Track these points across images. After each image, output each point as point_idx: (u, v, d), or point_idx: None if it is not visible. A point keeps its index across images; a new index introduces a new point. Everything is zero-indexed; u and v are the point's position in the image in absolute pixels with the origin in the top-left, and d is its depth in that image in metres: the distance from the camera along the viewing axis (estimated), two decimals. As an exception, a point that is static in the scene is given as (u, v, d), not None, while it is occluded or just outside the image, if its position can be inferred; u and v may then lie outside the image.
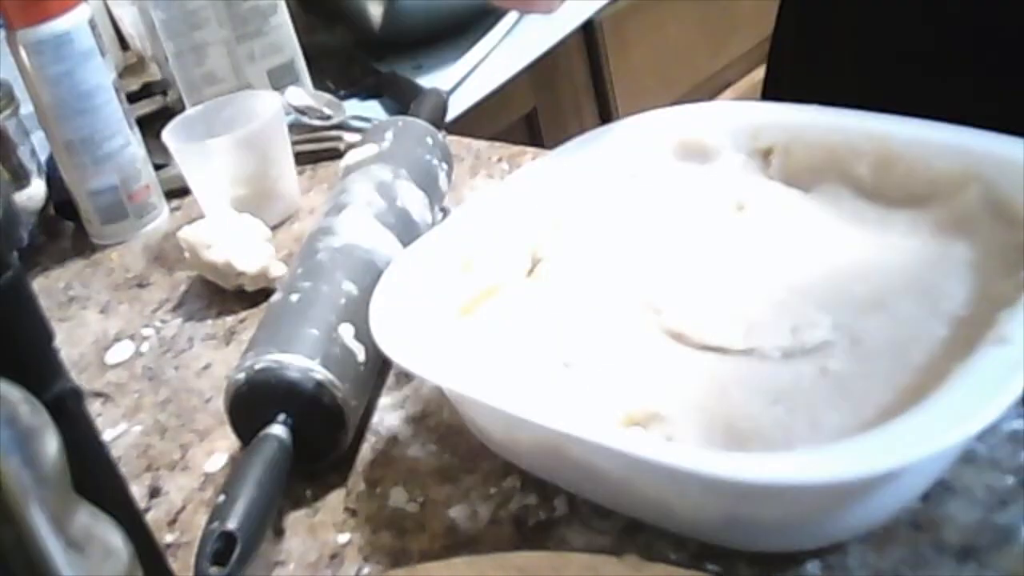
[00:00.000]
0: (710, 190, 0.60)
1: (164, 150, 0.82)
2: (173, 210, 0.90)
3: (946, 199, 0.54)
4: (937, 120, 0.55)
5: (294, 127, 0.91)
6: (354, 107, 1.00)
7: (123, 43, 1.15)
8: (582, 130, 0.63)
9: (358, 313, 0.57)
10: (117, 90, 0.83)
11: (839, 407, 0.46)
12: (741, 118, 0.62)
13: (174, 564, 0.50)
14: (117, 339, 0.74)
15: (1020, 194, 0.50)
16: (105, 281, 0.82)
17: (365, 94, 1.06)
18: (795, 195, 0.58)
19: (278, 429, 0.53)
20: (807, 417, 0.45)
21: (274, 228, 0.80)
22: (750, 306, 0.52)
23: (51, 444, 0.30)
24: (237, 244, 0.72)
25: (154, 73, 1.05)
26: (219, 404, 0.59)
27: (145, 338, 0.73)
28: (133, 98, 0.97)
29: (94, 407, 0.66)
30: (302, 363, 0.54)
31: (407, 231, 0.67)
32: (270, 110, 0.82)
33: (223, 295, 0.74)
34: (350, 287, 0.60)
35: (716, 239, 0.58)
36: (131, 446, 0.62)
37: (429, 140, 0.76)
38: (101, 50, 0.81)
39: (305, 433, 0.54)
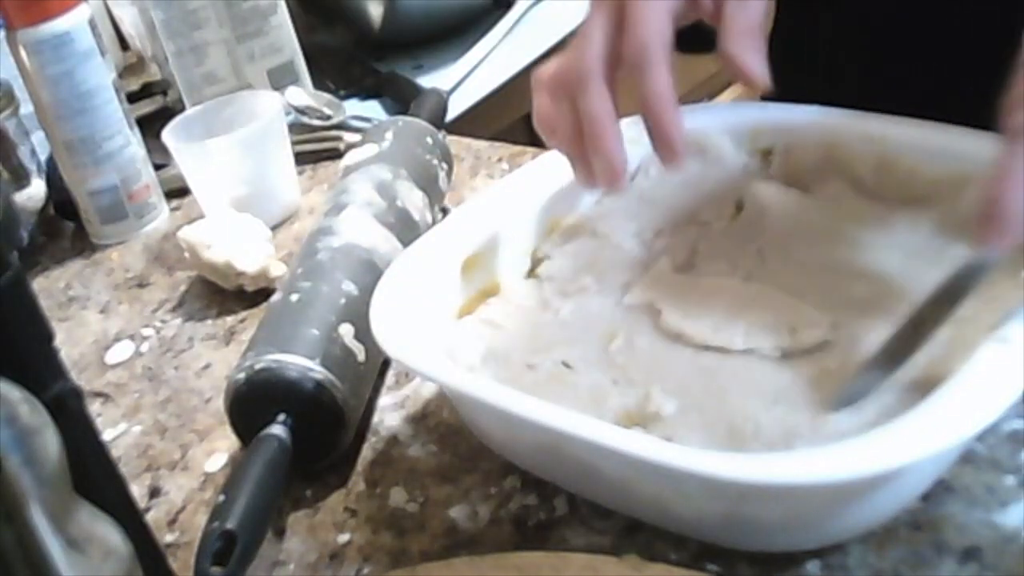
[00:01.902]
0: (710, 190, 0.60)
1: (164, 150, 0.82)
2: (173, 210, 0.90)
3: (946, 199, 0.54)
4: (937, 120, 0.55)
5: (294, 127, 0.91)
6: (354, 107, 1.00)
7: (123, 43, 1.15)
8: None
9: (358, 313, 0.57)
10: (117, 90, 0.83)
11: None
12: (741, 118, 0.62)
13: (174, 564, 0.50)
14: (117, 339, 0.74)
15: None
16: (105, 281, 0.82)
17: (365, 94, 1.06)
18: (795, 195, 0.58)
19: (278, 429, 0.53)
20: (807, 417, 0.45)
21: (274, 228, 0.80)
22: (749, 306, 0.52)
23: (51, 444, 0.30)
24: (237, 244, 0.72)
25: (154, 73, 1.05)
26: (219, 404, 0.59)
27: (145, 338, 0.73)
28: (133, 98, 0.97)
29: (94, 407, 0.66)
30: (302, 363, 0.54)
31: (407, 231, 0.67)
32: (270, 110, 0.82)
33: (223, 295, 0.74)
34: (350, 287, 0.60)
35: (716, 239, 0.58)
36: (131, 446, 0.62)
37: (429, 140, 0.76)
38: (101, 50, 0.81)
39: (305, 433, 0.54)
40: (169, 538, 0.55)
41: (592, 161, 0.50)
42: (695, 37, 0.51)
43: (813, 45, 0.74)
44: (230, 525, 0.47)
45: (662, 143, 0.49)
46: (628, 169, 0.50)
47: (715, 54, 0.49)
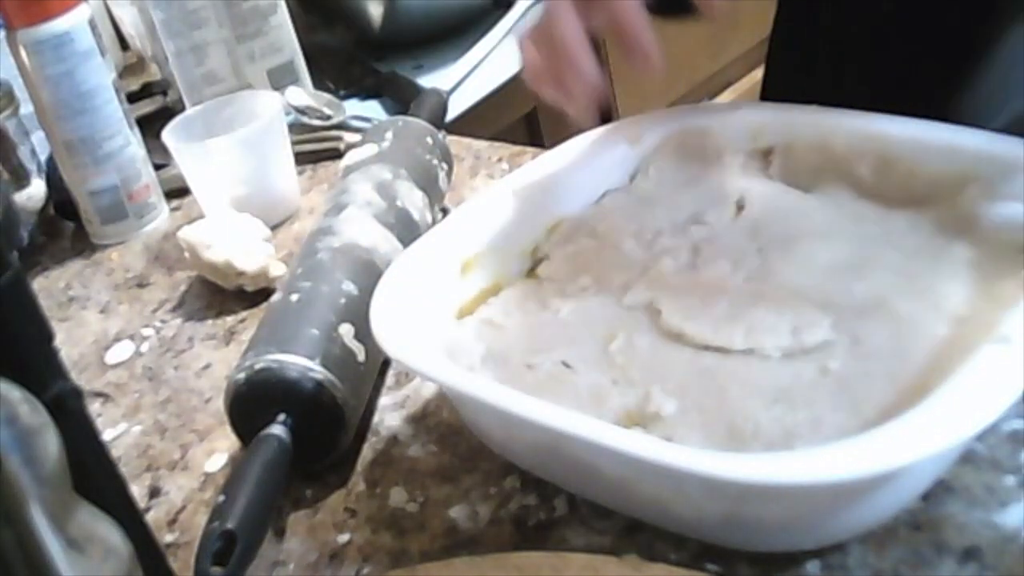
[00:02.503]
0: (710, 190, 0.60)
1: (164, 150, 0.82)
2: (173, 210, 0.90)
3: (946, 199, 0.54)
4: (937, 120, 0.55)
5: (294, 127, 0.91)
6: (354, 107, 1.01)
7: (123, 43, 1.15)
8: (582, 130, 0.63)
9: (358, 313, 0.57)
10: (117, 90, 0.83)
11: (839, 407, 0.46)
12: (741, 118, 0.62)
13: (174, 564, 0.50)
14: (117, 339, 0.74)
15: (1019, 194, 0.50)
16: (105, 281, 0.82)
17: (365, 94, 1.06)
18: (795, 195, 0.58)
19: (278, 429, 0.53)
20: (807, 417, 0.45)
21: (274, 228, 0.80)
22: (750, 306, 0.52)
23: (51, 444, 0.30)
24: (237, 244, 0.73)
25: (154, 73, 1.05)
26: (219, 404, 0.59)
27: (145, 338, 0.73)
28: (133, 98, 0.97)
29: (94, 407, 0.66)
30: (302, 363, 0.54)
31: (407, 231, 0.67)
32: (270, 110, 0.82)
33: (223, 295, 0.74)
34: (350, 287, 0.60)
35: (716, 239, 0.58)
36: (131, 446, 0.62)
37: (429, 140, 0.76)
38: (101, 50, 0.81)
39: (305, 433, 0.54)
40: (169, 538, 0.55)
41: (571, 86, 0.50)
42: (675, 2, 0.51)
43: (813, 44, 0.74)
44: (230, 525, 0.47)
45: (632, 47, 0.49)
46: (601, 83, 0.51)
47: (694, 17, 0.49)
